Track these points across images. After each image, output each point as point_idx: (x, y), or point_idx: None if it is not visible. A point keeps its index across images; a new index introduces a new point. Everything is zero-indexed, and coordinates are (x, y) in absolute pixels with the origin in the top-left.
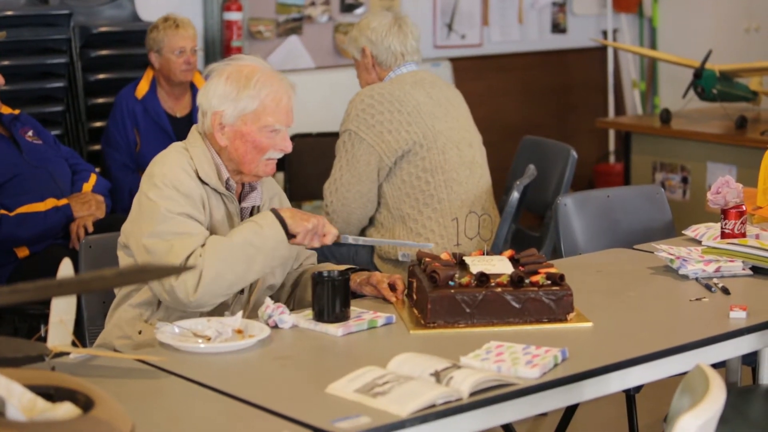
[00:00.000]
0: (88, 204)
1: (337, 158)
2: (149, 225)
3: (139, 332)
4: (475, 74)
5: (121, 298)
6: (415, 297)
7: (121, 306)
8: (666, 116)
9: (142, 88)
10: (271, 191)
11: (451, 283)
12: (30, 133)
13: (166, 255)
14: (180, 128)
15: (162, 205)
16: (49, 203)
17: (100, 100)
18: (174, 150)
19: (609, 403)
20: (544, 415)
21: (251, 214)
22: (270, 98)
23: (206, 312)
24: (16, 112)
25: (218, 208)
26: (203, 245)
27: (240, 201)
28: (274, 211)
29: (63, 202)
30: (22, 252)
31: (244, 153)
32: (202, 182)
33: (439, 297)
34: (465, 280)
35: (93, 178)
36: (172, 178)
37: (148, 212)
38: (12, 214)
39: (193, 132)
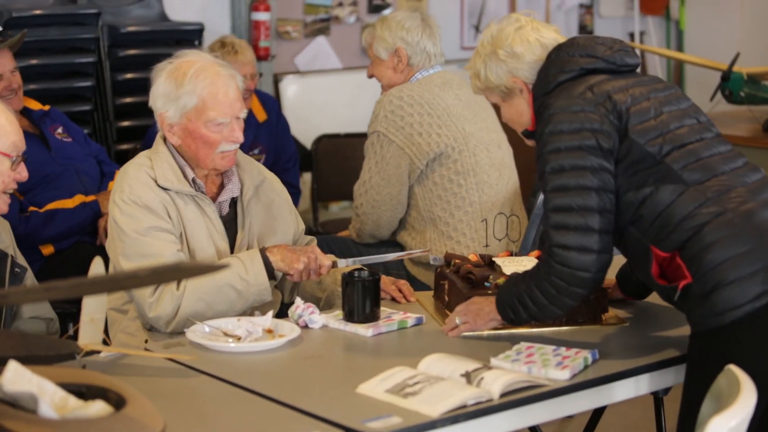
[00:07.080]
0: None
1: (366, 159)
2: (120, 245)
3: (146, 341)
4: None
5: (115, 317)
6: (446, 298)
7: (118, 323)
8: None
9: None
10: (257, 178)
11: (486, 284)
12: (60, 129)
13: None
14: None
15: (125, 227)
16: (77, 199)
17: (128, 100)
18: (134, 162)
19: (637, 405)
20: (570, 417)
21: (230, 205)
22: (207, 91)
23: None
24: (46, 108)
25: (188, 209)
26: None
27: (218, 195)
28: (264, 255)
29: (91, 198)
30: (47, 249)
31: (196, 150)
32: (164, 189)
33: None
34: (501, 280)
35: None
36: (129, 193)
37: (116, 233)
38: (41, 210)
39: (157, 137)
